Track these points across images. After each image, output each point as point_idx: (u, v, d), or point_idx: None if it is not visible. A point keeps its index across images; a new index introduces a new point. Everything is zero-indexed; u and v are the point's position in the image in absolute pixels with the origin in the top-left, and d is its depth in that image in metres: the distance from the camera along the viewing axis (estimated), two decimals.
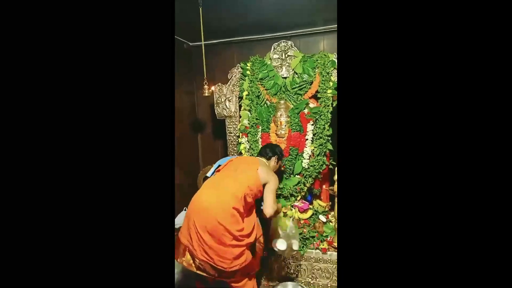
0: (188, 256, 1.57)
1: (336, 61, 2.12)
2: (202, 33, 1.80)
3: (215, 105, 2.41)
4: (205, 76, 1.89)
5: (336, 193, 1.98)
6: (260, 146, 2.27)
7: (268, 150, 1.94)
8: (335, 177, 2.00)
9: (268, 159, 1.90)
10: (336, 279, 1.90)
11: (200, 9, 1.71)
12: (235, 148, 2.41)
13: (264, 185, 1.66)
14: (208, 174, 1.89)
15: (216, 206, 1.50)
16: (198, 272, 1.56)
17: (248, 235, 1.57)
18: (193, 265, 1.56)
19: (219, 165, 1.89)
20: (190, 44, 2.69)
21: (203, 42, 1.85)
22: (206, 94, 1.92)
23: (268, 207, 1.62)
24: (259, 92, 2.30)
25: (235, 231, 1.50)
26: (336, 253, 1.91)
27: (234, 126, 2.40)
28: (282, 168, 2.23)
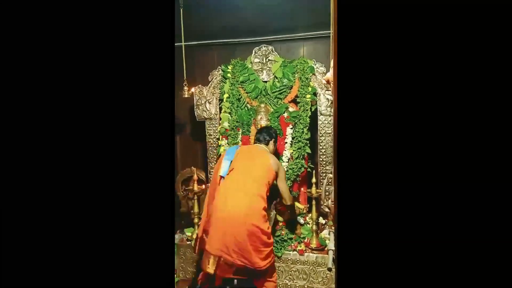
0: (213, 264, 1.56)
1: (315, 67, 2.18)
2: (182, 34, 1.80)
3: (195, 107, 2.40)
4: (184, 77, 1.88)
5: (314, 195, 2.01)
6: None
7: (265, 135, 1.85)
8: (313, 180, 2.04)
9: (267, 144, 1.84)
10: (313, 280, 1.94)
11: (181, 10, 1.71)
12: (214, 151, 2.40)
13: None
14: (222, 174, 1.68)
15: (249, 211, 1.54)
16: (235, 276, 1.59)
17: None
18: (230, 271, 1.57)
19: (231, 161, 1.73)
20: None
21: (183, 43, 1.85)
22: (186, 96, 1.91)
23: (289, 196, 1.71)
24: (239, 95, 2.31)
25: (267, 229, 1.56)
26: (312, 254, 1.95)
27: (214, 128, 2.39)
28: None
